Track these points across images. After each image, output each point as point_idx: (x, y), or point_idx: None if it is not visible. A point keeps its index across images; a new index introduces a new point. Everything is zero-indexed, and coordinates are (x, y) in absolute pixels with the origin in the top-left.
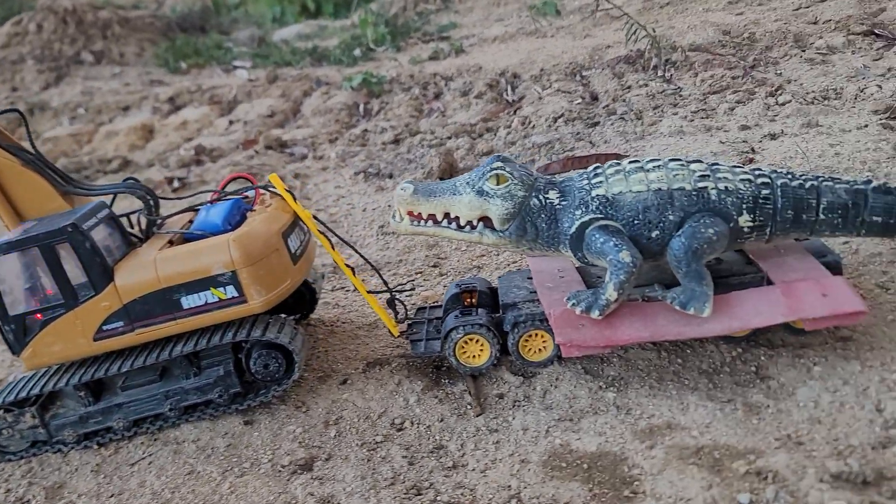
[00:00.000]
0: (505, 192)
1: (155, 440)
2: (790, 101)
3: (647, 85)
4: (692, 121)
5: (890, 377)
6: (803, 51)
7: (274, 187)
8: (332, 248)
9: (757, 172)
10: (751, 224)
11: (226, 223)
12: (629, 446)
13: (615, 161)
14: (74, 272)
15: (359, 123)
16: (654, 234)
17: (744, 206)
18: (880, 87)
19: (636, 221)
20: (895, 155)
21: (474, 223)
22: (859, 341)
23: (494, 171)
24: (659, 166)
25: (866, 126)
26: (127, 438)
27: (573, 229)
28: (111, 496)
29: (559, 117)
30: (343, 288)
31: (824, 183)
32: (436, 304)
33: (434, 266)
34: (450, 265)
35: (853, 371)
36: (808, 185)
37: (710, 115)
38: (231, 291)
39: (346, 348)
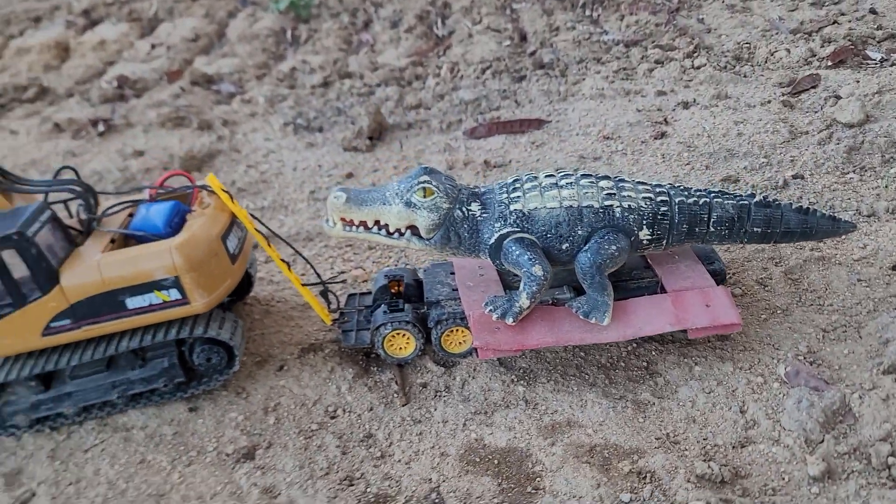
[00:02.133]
0: (431, 205)
1: (105, 426)
2: (705, 65)
3: (574, 28)
4: (613, 82)
5: (755, 380)
6: None
7: (211, 188)
8: (269, 244)
9: (658, 190)
10: (650, 237)
11: (166, 226)
12: (534, 442)
13: (531, 175)
14: (21, 275)
15: (286, 53)
16: (564, 247)
17: (644, 221)
18: (789, 50)
19: (549, 235)
20: (790, 139)
21: (402, 231)
22: (735, 341)
23: (422, 185)
24: (571, 183)
25: (769, 102)
26: (78, 423)
27: (492, 240)
28: (69, 484)
29: (487, 68)
30: (271, 260)
31: (715, 199)
32: (365, 291)
33: (343, 238)
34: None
35: (726, 372)
36: (701, 201)
37: (629, 77)
38: (174, 294)
39: (281, 331)
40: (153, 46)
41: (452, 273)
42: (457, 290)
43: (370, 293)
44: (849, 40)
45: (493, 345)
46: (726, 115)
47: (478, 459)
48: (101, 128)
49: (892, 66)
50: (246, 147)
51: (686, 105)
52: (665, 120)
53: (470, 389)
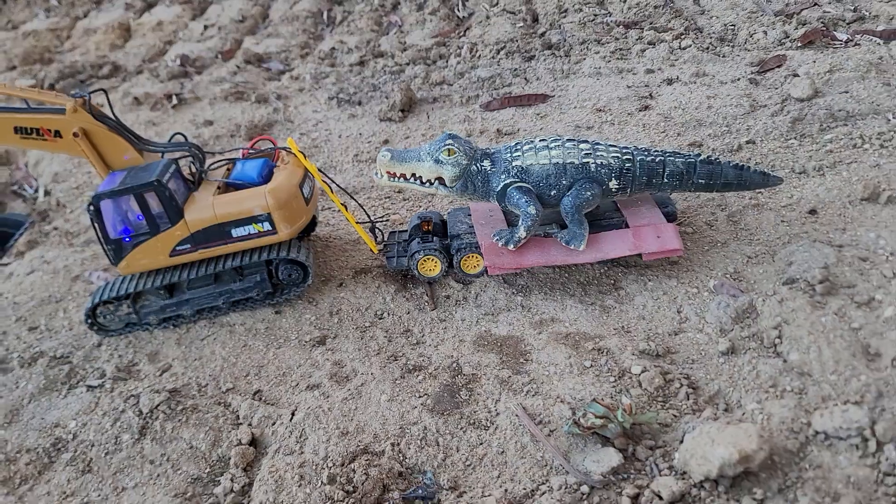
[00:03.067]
0: (454, 161)
1: (213, 323)
2: (690, 46)
3: (581, 10)
4: (609, 62)
5: (691, 290)
6: None
7: (290, 150)
8: (332, 192)
9: (624, 151)
10: (617, 186)
11: (259, 177)
12: (526, 332)
13: (529, 140)
14: (157, 210)
15: (324, 33)
16: (552, 193)
17: (612, 174)
18: (766, 32)
19: (541, 184)
20: (750, 111)
21: (432, 181)
22: (680, 265)
23: (447, 146)
24: (558, 146)
25: (739, 80)
26: (193, 322)
27: (499, 188)
28: (194, 360)
29: (502, 49)
30: (330, 209)
31: (668, 158)
32: (402, 229)
33: (398, 192)
34: (409, 192)
35: (671, 286)
36: (657, 159)
37: (624, 57)
38: (266, 226)
39: (338, 259)
40: (206, 27)
41: (469, 215)
42: (472, 226)
43: (406, 231)
44: (821, 22)
45: (499, 265)
46: (701, 90)
47: (486, 343)
48: (174, 101)
49: (855, 46)
50: (298, 118)
51: (669, 82)
52: (650, 95)
53: (481, 299)
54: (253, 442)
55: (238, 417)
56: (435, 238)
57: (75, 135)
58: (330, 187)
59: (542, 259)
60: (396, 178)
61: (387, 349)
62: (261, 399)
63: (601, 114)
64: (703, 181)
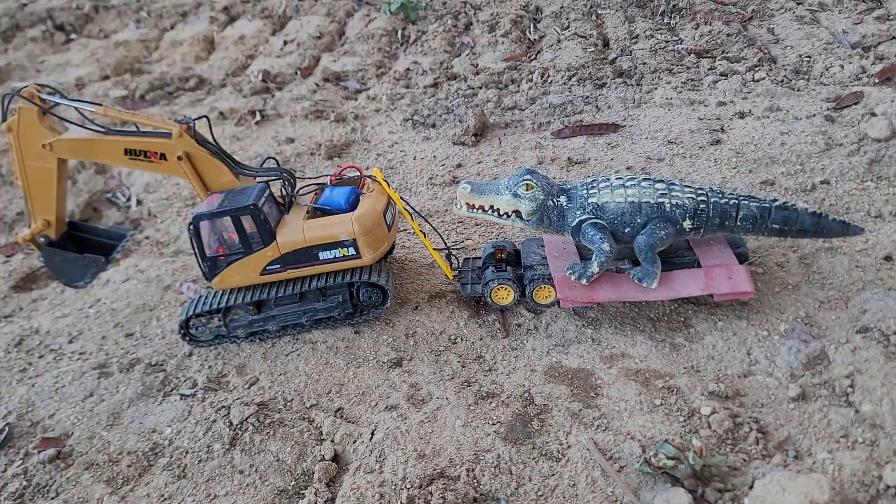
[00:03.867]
0: (531, 196)
1: (297, 339)
2: (764, 79)
3: (652, 36)
4: (681, 92)
5: (761, 333)
6: (798, 3)
7: (375, 178)
8: (412, 218)
9: (699, 192)
10: (691, 227)
11: (346, 203)
12: (597, 366)
13: (605, 177)
14: (251, 231)
15: (398, 53)
16: (626, 230)
17: (687, 214)
18: (842, 66)
19: (616, 221)
20: (825, 150)
21: (509, 214)
22: (751, 306)
23: (525, 181)
24: (634, 184)
25: (814, 116)
26: (277, 337)
27: (574, 223)
28: (280, 374)
29: (573, 75)
30: (405, 230)
31: (742, 201)
32: (475, 256)
33: (468, 217)
34: (482, 220)
35: (741, 327)
36: (731, 202)
37: (695, 88)
38: (351, 250)
39: (414, 282)
40: (285, 42)
41: (542, 246)
42: (545, 258)
43: (479, 258)
44: None
45: (572, 298)
46: (774, 126)
47: (557, 374)
48: (257, 117)
49: None
50: (374, 138)
51: (742, 115)
52: (722, 129)
53: (552, 329)
54: (335, 458)
55: (321, 433)
56: (508, 267)
57: (179, 158)
58: (410, 215)
59: (613, 294)
60: (475, 210)
61: (460, 374)
62: (342, 417)
63: (672, 146)
64: (777, 226)
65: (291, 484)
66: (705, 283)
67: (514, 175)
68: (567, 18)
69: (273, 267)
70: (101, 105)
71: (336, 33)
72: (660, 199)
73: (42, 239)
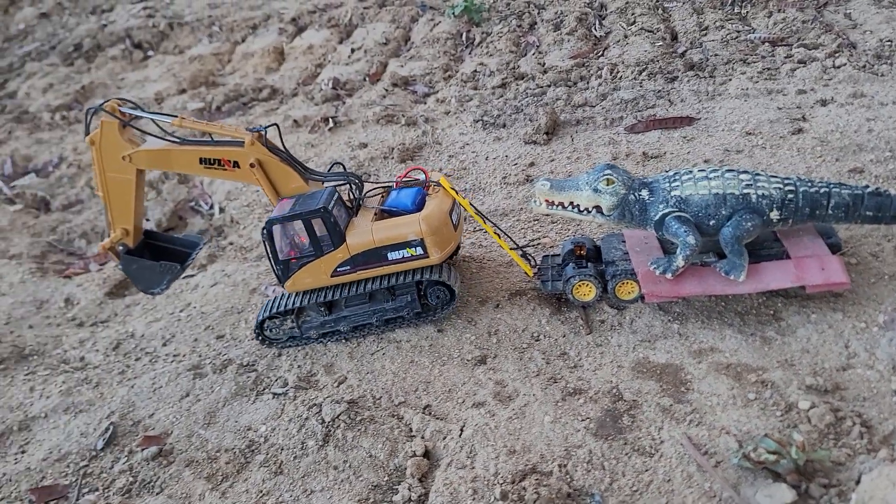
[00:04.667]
0: (612, 191)
1: (381, 339)
2: (845, 65)
3: (723, 27)
4: (757, 82)
5: (859, 325)
6: None
7: (440, 184)
8: (483, 220)
9: (786, 182)
10: (778, 217)
11: (413, 204)
12: (686, 361)
13: (688, 170)
14: (322, 234)
15: (464, 55)
16: (711, 223)
17: (774, 205)
18: None
19: (700, 214)
20: None
21: (590, 209)
22: (846, 298)
23: (605, 176)
24: (718, 176)
25: None
26: (353, 338)
27: (657, 217)
28: (367, 373)
29: (643, 70)
30: (481, 230)
31: (833, 189)
32: (554, 253)
33: (546, 215)
34: (557, 217)
35: (837, 319)
36: (822, 191)
37: (772, 77)
38: (419, 250)
39: (493, 280)
40: (352, 50)
41: (623, 241)
42: (627, 253)
43: (558, 255)
44: None
45: (657, 293)
46: (860, 112)
47: (645, 370)
48: (330, 124)
49: None
50: (445, 140)
51: (824, 103)
52: (803, 117)
53: (636, 325)
54: (426, 454)
55: (411, 430)
56: (589, 263)
57: (252, 165)
58: (482, 217)
59: (699, 288)
60: (554, 207)
61: (545, 371)
62: (430, 414)
63: (751, 137)
64: (871, 213)
65: (385, 479)
66: (796, 274)
67: (593, 170)
68: (633, 13)
69: (343, 268)
70: (176, 117)
71: (402, 39)
72: (745, 190)
73: (121, 247)
